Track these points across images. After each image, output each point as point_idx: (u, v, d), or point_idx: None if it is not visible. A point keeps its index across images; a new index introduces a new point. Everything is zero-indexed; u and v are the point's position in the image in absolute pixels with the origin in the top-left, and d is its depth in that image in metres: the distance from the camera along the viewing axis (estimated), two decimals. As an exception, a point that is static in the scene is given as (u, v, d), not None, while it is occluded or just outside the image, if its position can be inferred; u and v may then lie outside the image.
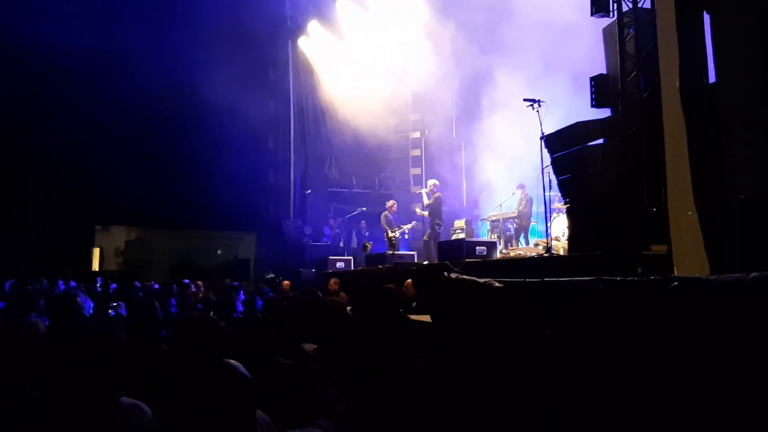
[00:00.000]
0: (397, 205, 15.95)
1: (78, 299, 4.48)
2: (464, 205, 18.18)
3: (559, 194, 11.88)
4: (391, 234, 14.95)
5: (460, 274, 5.03)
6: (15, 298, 6.92)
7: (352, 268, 15.50)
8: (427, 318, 5.34)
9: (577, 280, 4.06)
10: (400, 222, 15.70)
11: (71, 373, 2.63)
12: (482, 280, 4.72)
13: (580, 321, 3.75)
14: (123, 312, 6.71)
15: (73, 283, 10.04)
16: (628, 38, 9.12)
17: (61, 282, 8.76)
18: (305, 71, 21.57)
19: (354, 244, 18.76)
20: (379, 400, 3.56)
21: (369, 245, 15.59)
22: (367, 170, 21.05)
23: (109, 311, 6.79)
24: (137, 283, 12.04)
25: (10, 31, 17.51)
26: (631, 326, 3.47)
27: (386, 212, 15.53)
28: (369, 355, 3.79)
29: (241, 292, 8.72)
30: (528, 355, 3.86)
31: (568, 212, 9.64)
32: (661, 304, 3.39)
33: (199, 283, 11.93)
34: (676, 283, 3.43)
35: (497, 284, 4.56)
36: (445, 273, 5.13)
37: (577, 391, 3.51)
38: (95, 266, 21.94)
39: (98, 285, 11.59)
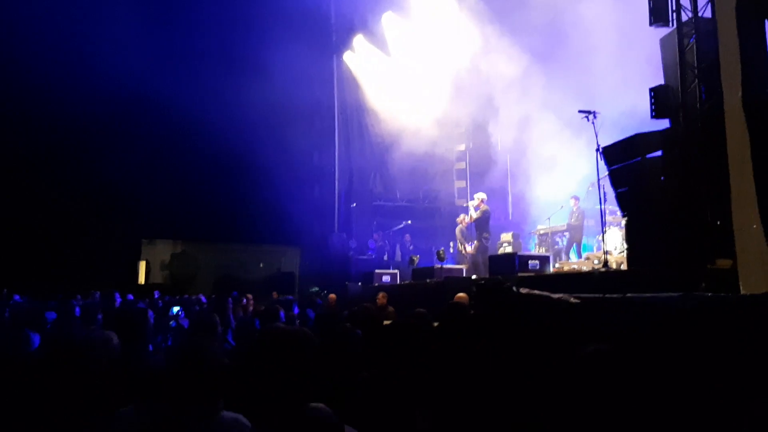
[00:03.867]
0: (444, 219, 15.91)
1: (149, 313, 4.48)
2: (510, 218, 18.00)
3: (612, 207, 11.70)
4: (468, 250, 14.92)
5: (531, 290, 4.90)
6: (66, 313, 6.92)
7: (398, 281, 15.42)
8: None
9: (662, 296, 3.91)
10: (452, 239, 15.66)
11: (169, 391, 2.60)
12: (556, 296, 4.58)
13: (669, 341, 3.58)
14: (184, 323, 6.74)
15: (130, 296, 10.15)
16: (687, 48, 8.92)
17: (117, 295, 8.88)
18: (350, 86, 21.70)
19: (398, 257, 18.70)
20: (456, 420, 3.46)
21: (416, 259, 15.51)
22: (412, 184, 20.95)
23: (170, 322, 6.83)
24: (186, 296, 12.17)
25: (70, 58, 18.11)
26: (728, 347, 3.30)
27: (461, 226, 15.70)
28: (448, 372, 3.69)
29: (295, 305, 8.69)
30: (609, 379, 3.72)
31: (627, 226, 9.44)
32: (761, 322, 3.23)
33: (249, 296, 12.01)
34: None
35: (573, 300, 4.42)
36: (514, 288, 5.02)
37: (665, 415, 3.36)
38: (141, 279, 22.29)
39: (156, 297, 11.75)
